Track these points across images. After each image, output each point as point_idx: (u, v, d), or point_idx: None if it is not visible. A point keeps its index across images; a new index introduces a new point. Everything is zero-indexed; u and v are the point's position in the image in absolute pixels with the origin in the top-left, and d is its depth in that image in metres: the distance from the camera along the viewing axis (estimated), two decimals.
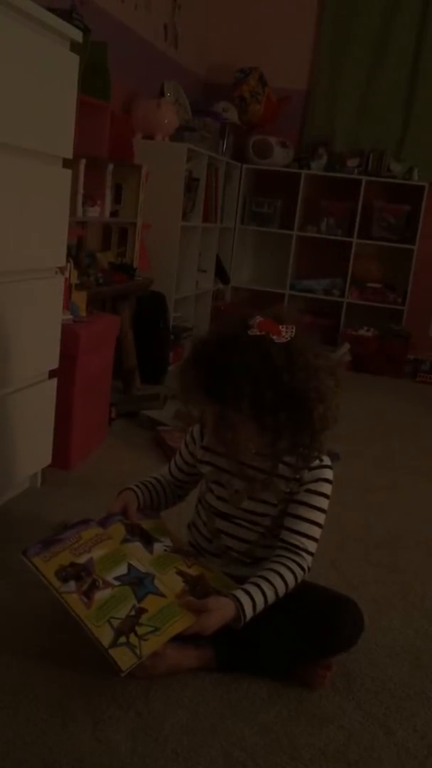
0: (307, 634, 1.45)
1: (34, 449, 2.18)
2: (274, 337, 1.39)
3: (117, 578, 1.45)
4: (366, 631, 1.54)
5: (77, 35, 2.01)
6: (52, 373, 2.22)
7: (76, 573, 1.42)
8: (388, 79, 4.77)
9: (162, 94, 4.16)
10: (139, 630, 1.36)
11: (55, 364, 2.20)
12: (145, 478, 1.71)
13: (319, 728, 1.36)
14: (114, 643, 1.33)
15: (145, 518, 1.64)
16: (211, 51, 4.98)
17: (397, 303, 4.88)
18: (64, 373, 2.28)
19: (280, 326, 1.40)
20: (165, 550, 1.57)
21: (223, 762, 1.25)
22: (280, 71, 4.83)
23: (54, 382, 2.22)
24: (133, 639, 1.34)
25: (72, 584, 1.40)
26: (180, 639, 1.44)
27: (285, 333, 1.40)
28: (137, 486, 1.67)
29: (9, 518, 2.05)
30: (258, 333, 1.39)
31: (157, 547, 1.57)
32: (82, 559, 1.46)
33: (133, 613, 1.39)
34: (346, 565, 2.02)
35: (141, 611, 1.39)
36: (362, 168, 4.81)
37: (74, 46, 2.03)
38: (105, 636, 1.34)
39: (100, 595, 1.40)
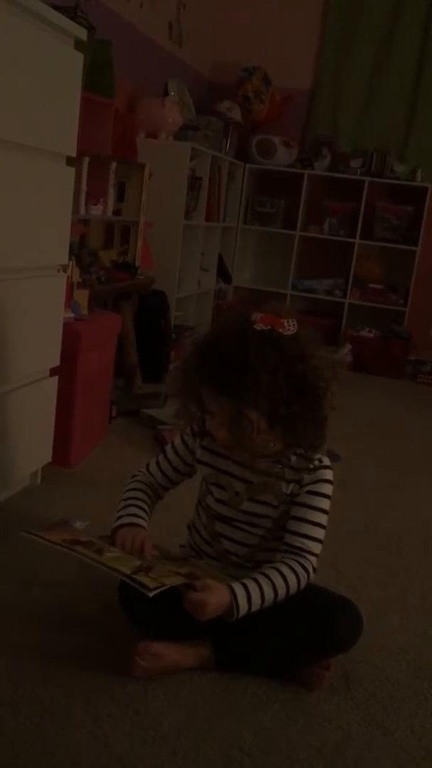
0: (305, 635, 1.45)
1: (35, 447, 2.18)
2: (280, 330, 1.39)
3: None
4: (365, 632, 1.53)
5: (81, 33, 2.02)
6: (53, 371, 2.22)
7: (80, 542, 1.44)
8: (393, 80, 4.77)
9: (166, 92, 4.16)
10: (152, 573, 1.37)
11: (56, 362, 2.20)
12: (132, 494, 1.60)
13: (316, 728, 1.36)
14: (135, 573, 1.35)
15: None
16: (216, 50, 4.97)
17: (399, 304, 4.88)
18: (65, 371, 2.28)
19: (282, 320, 1.41)
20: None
21: (221, 761, 1.25)
22: (284, 71, 4.83)
23: (55, 380, 2.22)
24: (150, 576, 1.36)
25: (79, 547, 1.42)
26: (179, 638, 1.45)
27: (288, 326, 1.40)
28: (139, 516, 1.56)
29: (8, 516, 2.05)
30: (263, 327, 1.39)
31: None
32: (85, 538, 1.47)
33: (140, 564, 1.40)
34: (346, 565, 2.02)
35: (148, 569, 1.40)
36: (365, 168, 4.80)
37: (78, 44, 2.03)
38: (125, 568, 1.36)
39: (109, 555, 1.42)
